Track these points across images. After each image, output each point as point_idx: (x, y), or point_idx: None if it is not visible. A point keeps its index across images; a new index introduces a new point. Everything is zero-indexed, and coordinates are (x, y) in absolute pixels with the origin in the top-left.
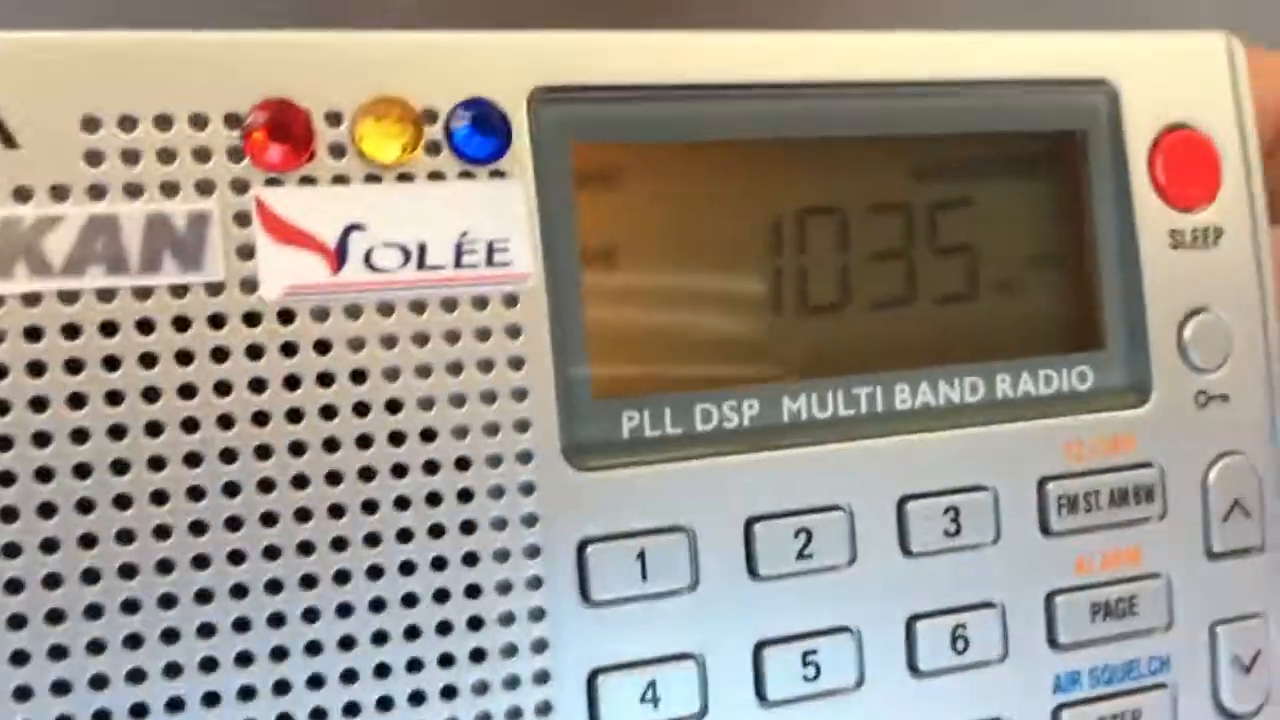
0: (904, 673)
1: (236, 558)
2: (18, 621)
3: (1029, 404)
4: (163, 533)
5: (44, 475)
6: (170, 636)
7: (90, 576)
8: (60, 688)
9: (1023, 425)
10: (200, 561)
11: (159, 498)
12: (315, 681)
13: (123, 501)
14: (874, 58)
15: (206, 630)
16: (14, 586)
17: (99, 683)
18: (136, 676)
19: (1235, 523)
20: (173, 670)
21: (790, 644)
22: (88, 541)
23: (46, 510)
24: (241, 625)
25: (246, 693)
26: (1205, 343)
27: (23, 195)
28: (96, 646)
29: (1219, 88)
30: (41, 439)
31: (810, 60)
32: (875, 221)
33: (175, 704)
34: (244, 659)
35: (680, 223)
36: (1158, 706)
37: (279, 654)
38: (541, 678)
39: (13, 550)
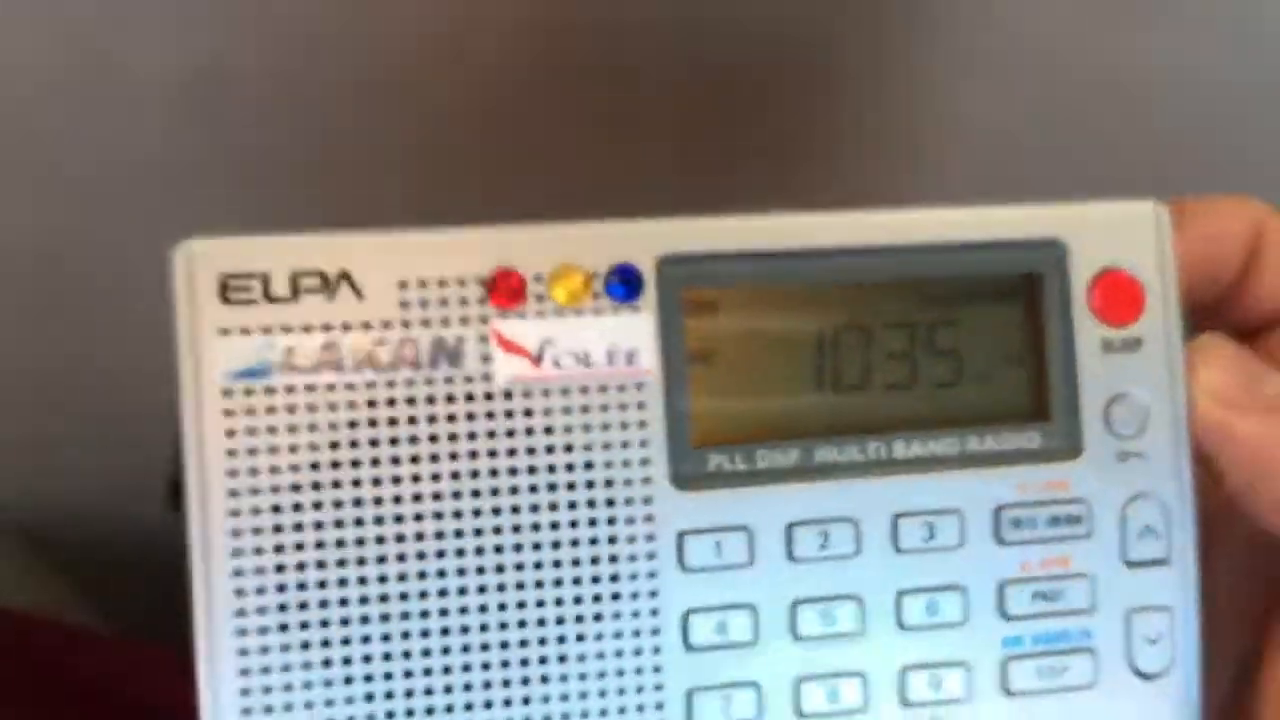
0: (894, 628)
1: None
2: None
3: (992, 456)
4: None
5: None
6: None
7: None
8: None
9: (986, 470)
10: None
11: (433, 496)
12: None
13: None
14: (893, 227)
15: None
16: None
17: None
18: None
19: (1146, 541)
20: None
21: (816, 603)
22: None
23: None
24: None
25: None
26: (1125, 416)
27: (366, 326)
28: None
29: (1145, 240)
30: (374, 461)
31: (848, 231)
32: (890, 333)
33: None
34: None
35: (755, 337)
36: (1083, 664)
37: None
38: (654, 612)
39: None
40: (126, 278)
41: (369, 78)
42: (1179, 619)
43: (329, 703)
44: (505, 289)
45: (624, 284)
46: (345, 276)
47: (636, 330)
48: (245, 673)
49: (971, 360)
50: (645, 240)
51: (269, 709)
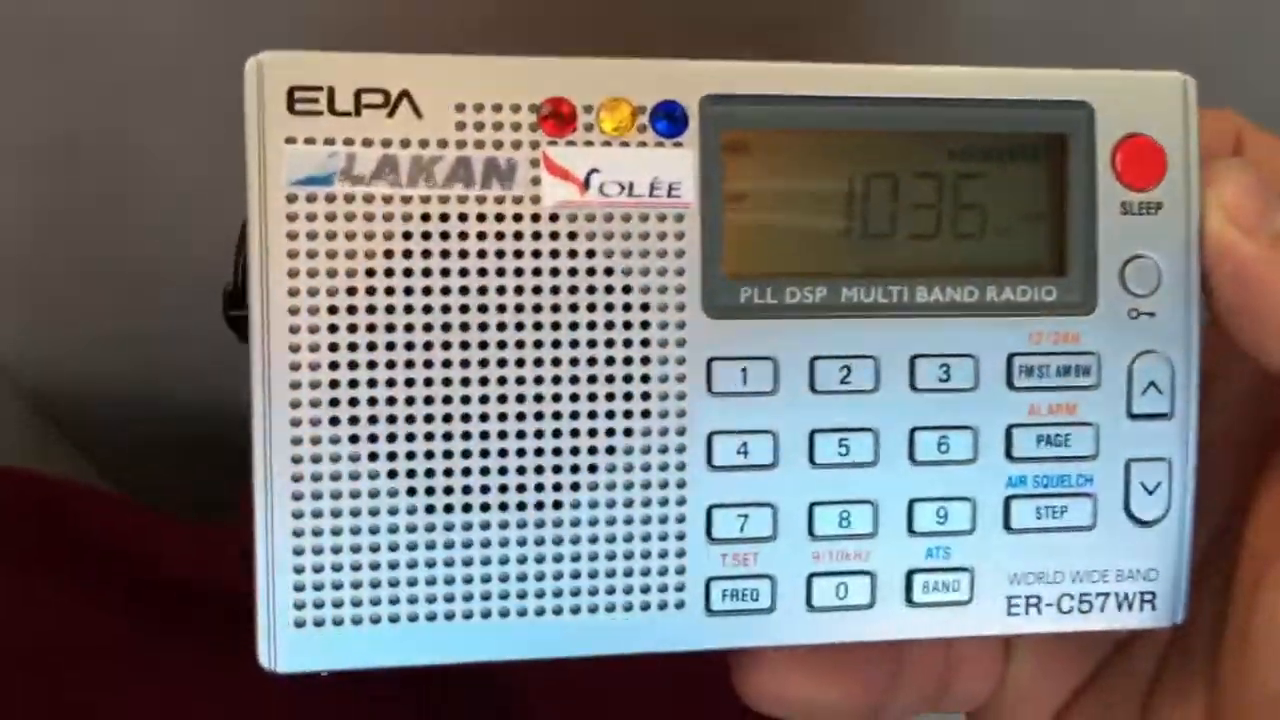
0: (906, 461)
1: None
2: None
3: (1009, 306)
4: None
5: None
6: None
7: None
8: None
9: (1001, 319)
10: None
11: (480, 309)
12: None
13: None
14: (928, 81)
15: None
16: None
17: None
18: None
19: (1150, 396)
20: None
21: (832, 433)
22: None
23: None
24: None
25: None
26: (1140, 277)
27: (424, 144)
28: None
29: (1172, 109)
30: (426, 272)
31: (884, 82)
32: (918, 183)
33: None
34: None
35: (788, 178)
36: (1081, 507)
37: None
38: (680, 431)
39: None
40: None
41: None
42: (1176, 470)
43: (373, 493)
44: (556, 116)
45: (669, 119)
46: (406, 95)
47: (679, 165)
48: (297, 460)
49: (995, 214)
50: (691, 79)
51: (317, 495)
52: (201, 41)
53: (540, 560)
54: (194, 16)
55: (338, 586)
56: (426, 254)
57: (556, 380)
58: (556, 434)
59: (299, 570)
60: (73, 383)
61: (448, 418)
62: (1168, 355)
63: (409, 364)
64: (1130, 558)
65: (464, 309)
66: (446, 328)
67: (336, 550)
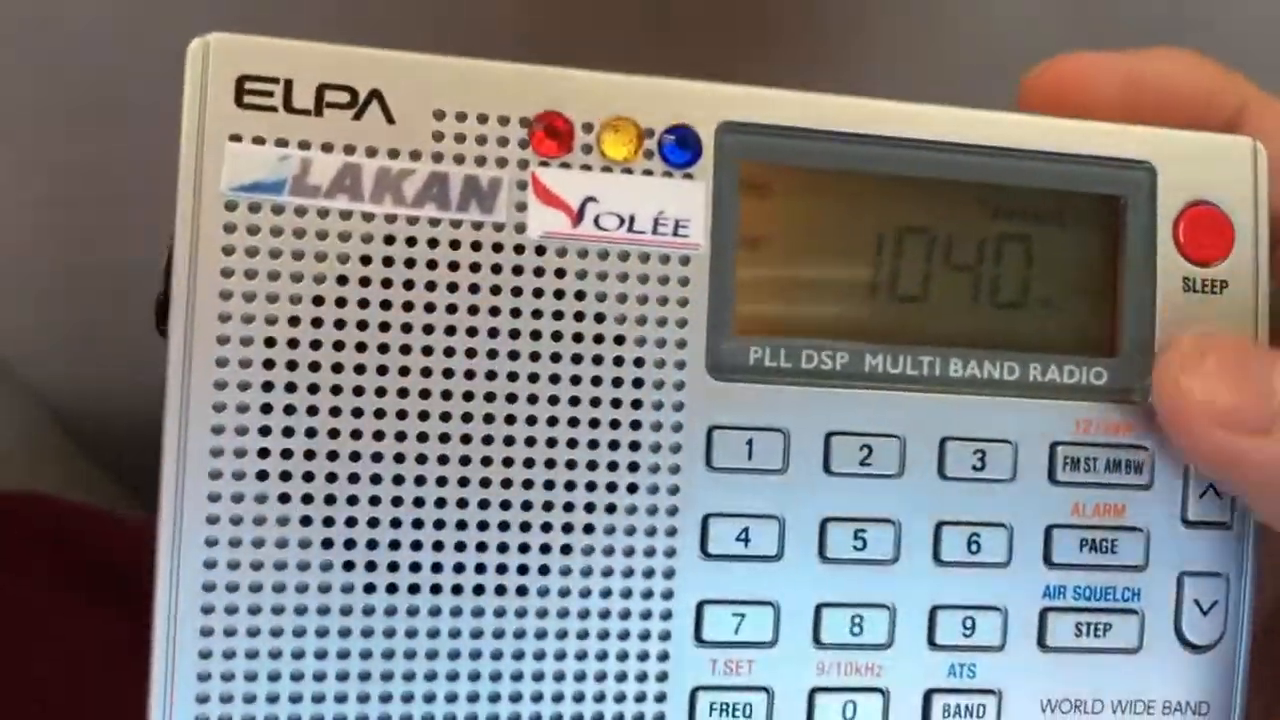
0: (929, 560)
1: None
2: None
3: (1053, 388)
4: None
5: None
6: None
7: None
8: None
9: (1045, 402)
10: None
11: (445, 352)
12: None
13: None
14: (975, 126)
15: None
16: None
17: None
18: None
19: (1209, 502)
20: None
21: (847, 523)
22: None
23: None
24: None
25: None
26: None
27: (393, 154)
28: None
29: (1241, 179)
30: (385, 304)
31: (926, 123)
32: (957, 242)
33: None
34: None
35: (810, 225)
36: (1126, 625)
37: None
38: (672, 511)
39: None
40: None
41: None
42: (1234, 588)
43: (303, 565)
44: (550, 133)
45: (681, 146)
46: (377, 96)
47: (689, 199)
48: (213, 520)
49: (1041, 282)
50: (709, 103)
51: (232, 587)
52: None
53: (497, 657)
54: (206, 26)
55: (250, 677)
56: (387, 284)
57: (530, 443)
58: (526, 506)
59: (205, 655)
60: (97, 398)
61: (398, 480)
62: None
63: (356, 412)
64: (1179, 688)
65: (426, 352)
66: (404, 372)
67: (253, 634)
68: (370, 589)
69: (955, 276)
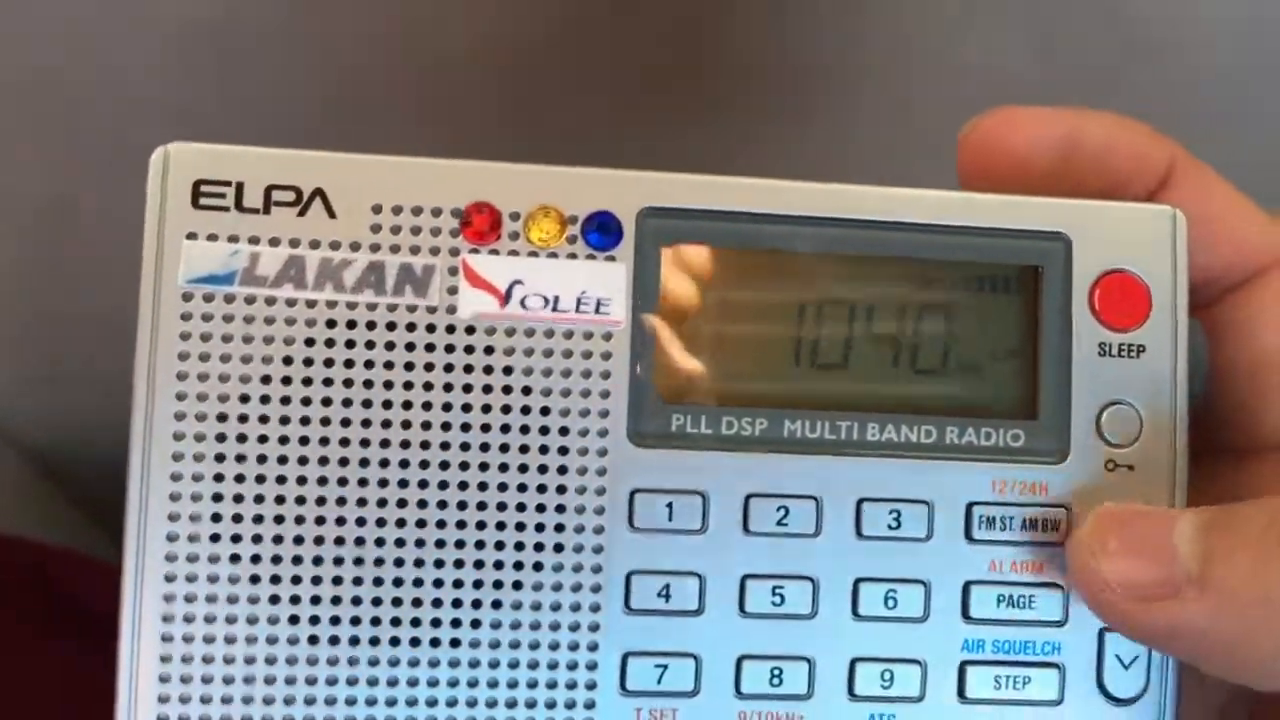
0: (848, 615)
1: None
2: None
3: (969, 450)
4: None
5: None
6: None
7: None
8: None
9: (961, 463)
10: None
11: (383, 424)
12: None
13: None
14: (893, 203)
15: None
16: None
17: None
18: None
19: None
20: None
21: (766, 580)
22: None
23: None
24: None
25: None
26: (1118, 425)
27: (335, 246)
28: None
29: (1160, 246)
30: (327, 382)
31: (844, 202)
32: (877, 313)
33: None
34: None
35: (732, 300)
36: (1046, 678)
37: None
38: (596, 569)
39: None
40: (140, 226)
41: (379, 30)
42: None
43: (251, 620)
44: (479, 223)
45: (602, 232)
46: (319, 194)
47: (610, 280)
48: (170, 583)
49: (960, 349)
50: (629, 190)
51: (188, 638)
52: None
53: (432, 704)
54: (181, 86)
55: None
56: (329, 363)
57: (462, 506)
58: (459, 564)
59: (163, 700)
60: (75, 443)
61: (340, 541)
62: None
63: (301, 480)
64: None
65: (366, 424)
66: (345, 443)
67: (206, 682)
68: (314, 640)
69: (876, 344)
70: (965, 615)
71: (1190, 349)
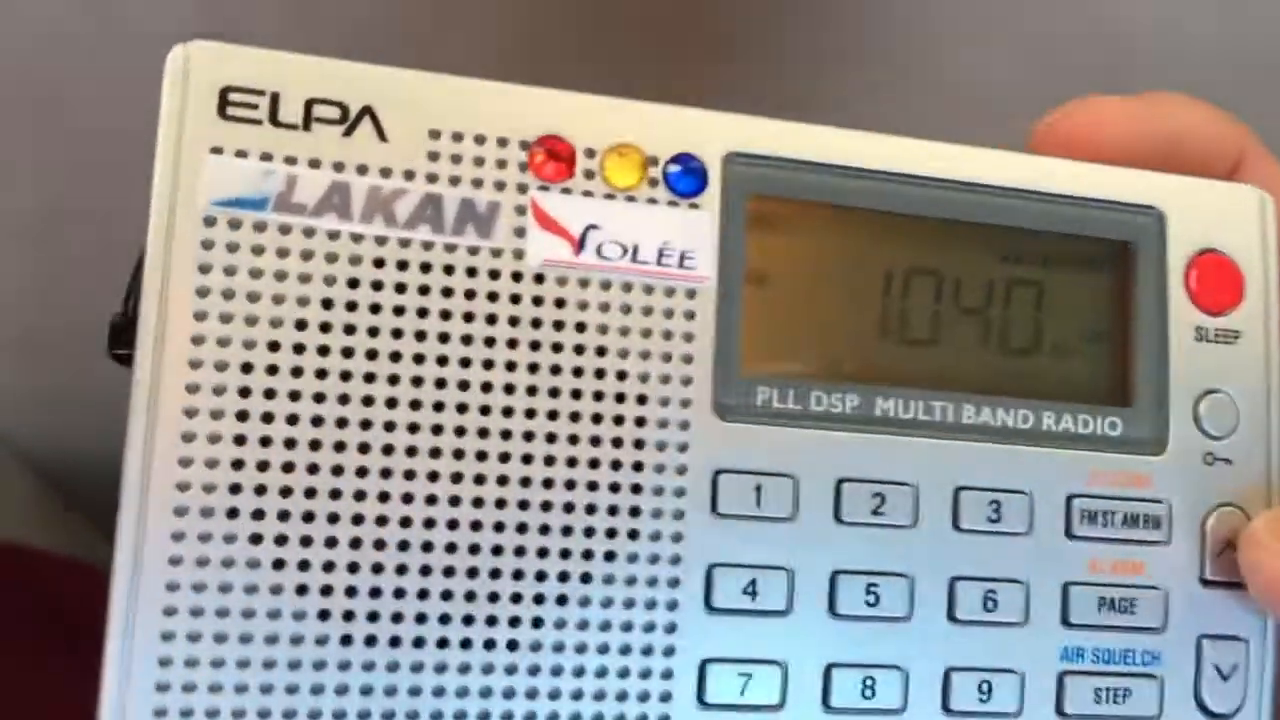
0: (944, 617)
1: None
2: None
3: (1066, 438)
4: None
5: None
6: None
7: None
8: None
9: (1059, 451)
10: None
11: (437, 383)
12: (521, 528)
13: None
14: (986, 166)
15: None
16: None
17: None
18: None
19: (1227, 559)
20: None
21: (859, 576)
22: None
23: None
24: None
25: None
26: (1216, 416)
27: (385, 173)
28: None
29: (1250, 228)
30: (373, 331)
31: (938, 161)
32: (965, 285)
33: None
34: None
35: (818, 262)
36: (1146, 691)
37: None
38: (674, 560)
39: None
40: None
41: (371, 44)
42: (1255, 652)
43: (273, 614)
44: (551, 158)
45: (687, 175)
46: (369, 113)
47: (695, 230)
48: (176, 562)
49: (1051, 329)
50: (716, 132)
51: (194, 636)
52: None
53: (485, 718)
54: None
55: None
56: (375, 309)
57: (525, 483)
58: (519, 552)
59: (160, 714)
60: (77, 452)
61: (381, 520)
62: (1247, 512)
63: (339, 446)
64: None
65: (416, 382)
66: (392, 404)
67: (215, 690)
68: (347, 641)
69: (964, 320)
70: (1065, 620)
71: None
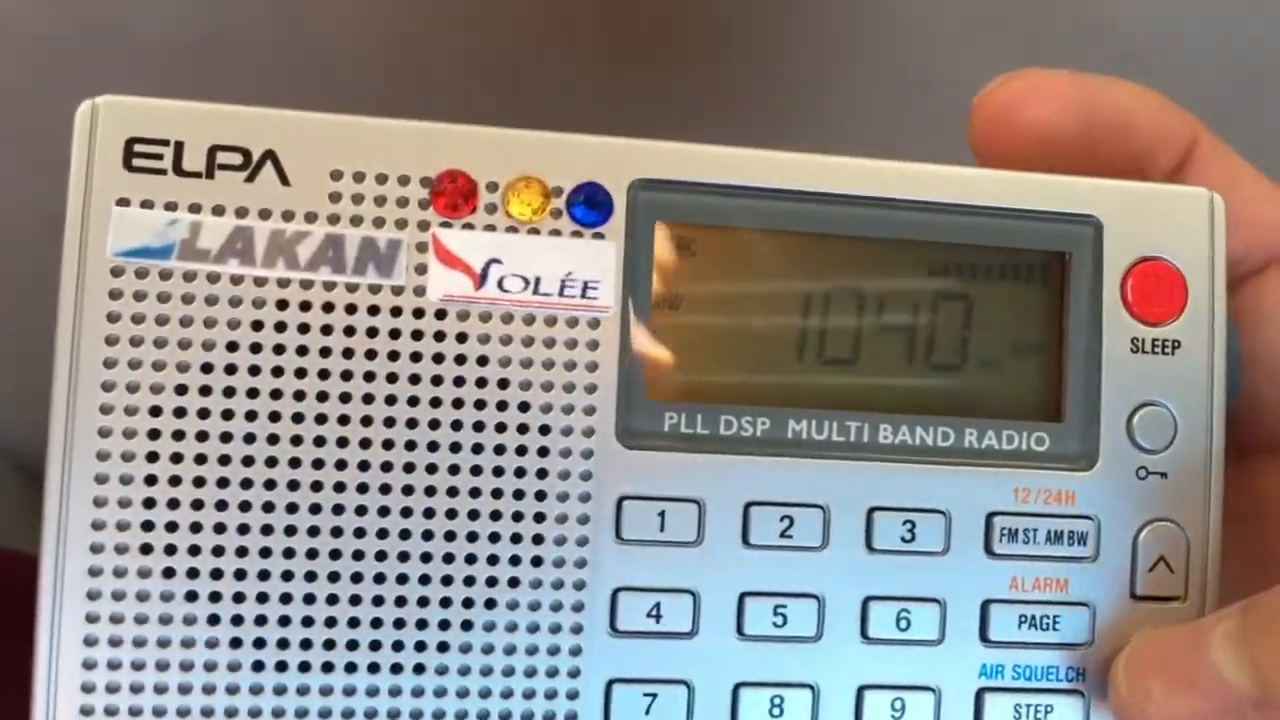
0: (856, 637)
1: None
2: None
3: (989, 454)
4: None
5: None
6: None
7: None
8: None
9: (980, 469)
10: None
11: (340, 420)
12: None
13: (316, 417)
14: (908, 180)
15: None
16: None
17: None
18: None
19: (1159, 575)
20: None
21: (766, 598)
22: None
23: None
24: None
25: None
26: (1152, 429)
27: (288, 216)
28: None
29: (1196, 232)
30: (277, 371)
31: (856, 178)
32: (890, 302)
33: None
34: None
35: (732, 285)
36: (1071, 708)
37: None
38: (579, 585)
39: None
40: None
41: (361, 45)
42: None
43: (187, 643)
44: (452, 193)
45: (589, 206)
46: (270, 157)
47: (598, 259)
48: (93, 596)
49: (979, 344)
50: (620, 159)
51: (114, 664)
52: None
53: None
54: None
55: None
56: (279, 350)
57: (429, 514)
58: (424, 580)
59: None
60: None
61: (289, 554)
62: (1182, 526)
63: (246, 483)
64: None
65: (320, 420)
66: (297, 442)
67: (136, 714)
68: (258, 667)
69: (887, 338)
70: (984, 637)
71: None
